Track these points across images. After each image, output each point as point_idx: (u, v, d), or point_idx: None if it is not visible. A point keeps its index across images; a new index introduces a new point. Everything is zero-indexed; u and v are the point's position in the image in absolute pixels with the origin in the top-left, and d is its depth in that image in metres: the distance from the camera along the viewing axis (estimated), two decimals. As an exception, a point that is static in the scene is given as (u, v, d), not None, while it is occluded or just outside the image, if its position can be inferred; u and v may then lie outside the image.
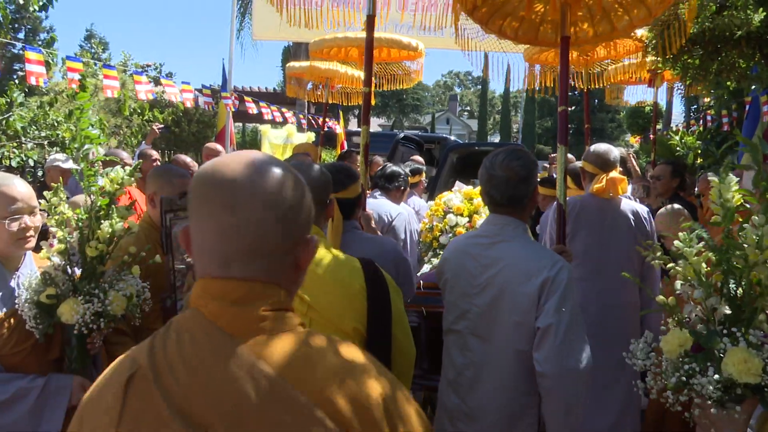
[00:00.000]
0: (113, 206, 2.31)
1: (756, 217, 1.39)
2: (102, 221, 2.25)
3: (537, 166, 2.34)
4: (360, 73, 6.21)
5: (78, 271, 2.23)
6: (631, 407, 3.31)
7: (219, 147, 5.68)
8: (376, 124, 44.82)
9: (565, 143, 3.02)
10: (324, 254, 1.83)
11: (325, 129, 8.15)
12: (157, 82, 7.98)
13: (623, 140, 37.81)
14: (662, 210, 3.73)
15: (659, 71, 5.67)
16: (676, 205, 3.75)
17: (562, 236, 2.88)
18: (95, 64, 7.19)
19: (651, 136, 7.50)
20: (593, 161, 3.56)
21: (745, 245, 1.41)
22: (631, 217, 3.47)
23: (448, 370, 2.28)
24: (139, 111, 7.40)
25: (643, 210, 3.58)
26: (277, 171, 0.95)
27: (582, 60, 5.20)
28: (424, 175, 5.76)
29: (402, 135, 7.59)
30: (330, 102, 6.92)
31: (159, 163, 5.91)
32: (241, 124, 17.80)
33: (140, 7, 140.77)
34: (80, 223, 2.24)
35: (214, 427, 0.84)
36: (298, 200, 0.96)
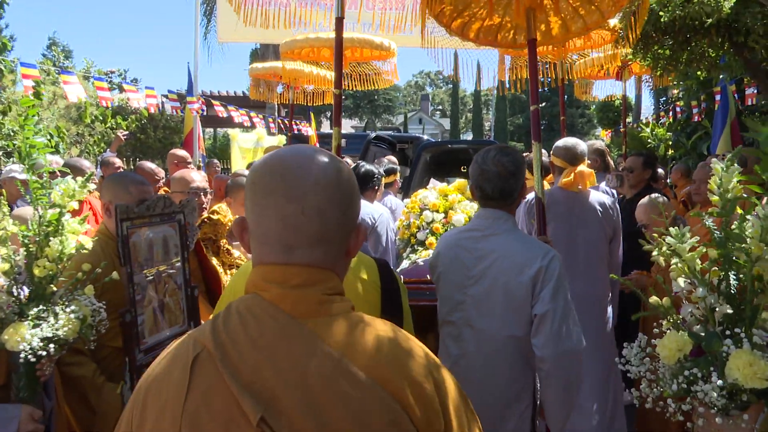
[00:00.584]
0: (64, 220, 2.13)
1: (761, 208, 1.28)
2: (51, 237, 2.08)
3: (525, 163, 2.43)
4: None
5: (25, 292, 2.05)
6: (609, 398, 3.32)
7: (184, 153, 5.48)
8: (348, 126, 44.65)
9: (538, 140, 3.14)
10: None
11: (293, 132, 7.98)
12: (120, 88, 7.74)
13: (593, 134, 38.26)
14: (643, 200, 3.68)
15: (629, 62, 5.63)
16: (657, 196, 3.70)
17: (543, 228, 2.99)
18: (56, 72, 6.92)
19: (622, 129, 7.49)
20: (562, 155, 3.64)
21: (748, 238, 1.30)
22: (598, 209, 3.57)
23: (444, 360, 2.30)
24: (101, 118, 7.13)
25: (609, 200, 3.69)
26: (334, 163, 1.01)
27: (556, 51, 5.13)
28: (398, 174, 5.70)
29: (374, 135, 7.47)
30: (298, 103, 6.77)
31: (122, 170, 5.71)
32: (212, 130, 17.53)
33: (104, 14, 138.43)
34: (26, 240, 2.06)
35: (282, 400, 0.88)
36: (352, 190, 1.03)
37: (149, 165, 4.94)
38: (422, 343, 1.02)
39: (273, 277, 0.98)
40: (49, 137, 5.68)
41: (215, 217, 3.04)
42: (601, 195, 3.74)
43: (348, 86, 6.03)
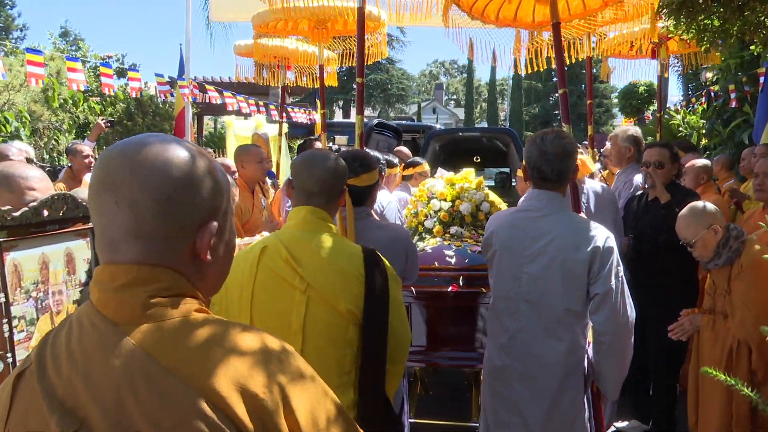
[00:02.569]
0: None
1: None
2: None
3: (577, 147, 2.52)
4: (315, 49, 5.40)
5: None
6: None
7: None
8: (381, 120, 43.80)
9: (568, 122, 3.23)
10: (326, 239, 1.90)
11: (285, 119, 7.34)
12: (119, 74, 7.14)
13: (611, 125, 37.23)
14: (684, 212, 3.06)
15: (669, 36, 4.86)
16: (708, 204, 3.02)
17: (577, 208, 3.08)
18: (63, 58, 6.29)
19: (657, 114, 6.70)
20: None
21: None
22: (593, 197, 3.74)
23: (499, 335, 2.44)
24: (72, 101, 6.48)
25: (605, 189, 3.93)
26: (167, 149, 0.89)
27: (581, 25, 4.40)
28: (423, 167, 5.09)
29: (376, 122, 6.82)
30: (295, 85, 6.11)
31: (92, 160, 5.08)
32: (213, 118, 16.88)
33: (110, 2, 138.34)
34: None
35: (94, 421, 0.79)
36: (188, 181, 0.89)
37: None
38: (293, 352, 0.92)
39: (99, 278, 0.89)
40: (4, 121, 5.12)
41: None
42: (594, 183, 3.88)
43: (337, 62, 5.37)
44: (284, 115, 6.91)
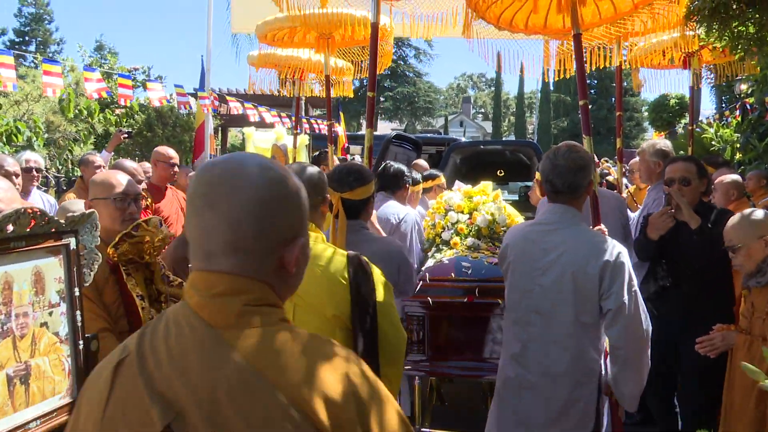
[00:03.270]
0: None
1: None
2: None
3: (593, 160, 2.52)
4: (332, 59, 5.27)
5: None
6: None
7: (169, 151, 4.75)
8: (388, 128, 43.86)
9: (588, 134, 3.25)
10: (314, 247, 1.93)
11: (303, 132, 7.22)
12: (144, 86, 7.14)
13: (642, 138, 36.52)
14: (738, 216, 2.81)
15: (702, 44, 4.61)
16: (760, 212, 2.79)
17: (596, 220, 3.14)
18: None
19: (689, 127, 6.39)
20: None
21: None
22: (614, 203, 3.82)
23: (512, 345, 2.47)
24: (87, 112, 6.46)
25: (613, 194, 4.03)
26: (260, 170, 0.97)
27: (614, 34, 4.17)
28: (439, 180, 5.11)
29: (394, 134, 6.66)
30: (312, 96, 6.00)
31: (104, 170, 5.02)
32: (240, 130, 16.96)
33: (143, 16, 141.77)
34: None
35: (190, 412, 0.86)
36: (282, 201, 0.98)
37: (129, 163, 4.20)
38: (362, 362, 0.98)
39: (196, 284, 0.97)
40: (15, 131, 5.11)
41: (138, 233, 2.25)
42: (602, 189, 3.86)
43: (353, 73, 5.23)
44: (299, 126, 6.78)
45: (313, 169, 2.12)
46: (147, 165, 5.15)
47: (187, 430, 0.86)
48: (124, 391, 0.91)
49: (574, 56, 3.32)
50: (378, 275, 1.97)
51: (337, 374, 0.91)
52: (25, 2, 45.63)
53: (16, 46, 43.79)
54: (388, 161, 4.36)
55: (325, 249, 1.98)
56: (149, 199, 4.52)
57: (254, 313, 0.95)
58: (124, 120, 8.26)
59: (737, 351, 2.77)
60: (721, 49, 4.47)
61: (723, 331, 2.79)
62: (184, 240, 2.99)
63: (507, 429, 2.47)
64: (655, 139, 4.36)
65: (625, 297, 2.27)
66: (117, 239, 2.23)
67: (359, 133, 18.40)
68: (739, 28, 4.04)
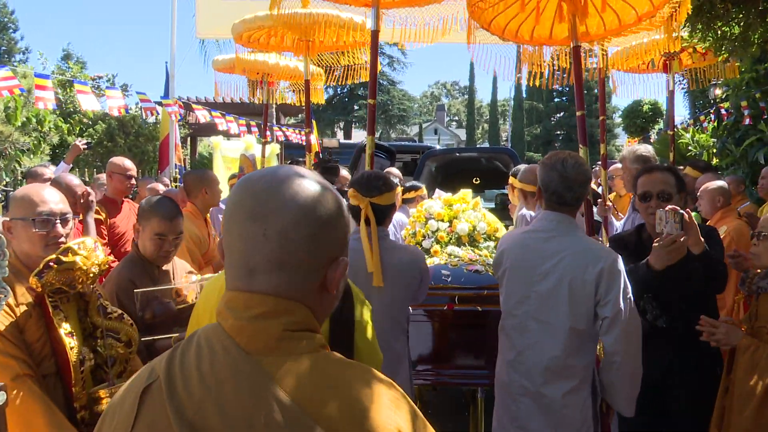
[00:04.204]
0: None
1: None
2: None
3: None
4: (301, 65, 5.01)
5: None
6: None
7: (124, 162, 4.41)
8: (362, 136, 43.67)
9: (585, 144, 3.24)
10: None
11: (269, 140, 6.94)
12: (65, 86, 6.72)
13: (614, 145, 36.93)
14: None
15: (685, 45, 4.44)
16: None
17: (590, 230, 3.17)
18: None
19: (653, 136, 6.26)
20: (532, 180, 3.60)
21: None
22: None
23: (508, 352, 2.49)
24: (37, 119, 6.05)
25: None
26: (312, 185, 0.95)
27: (595, 35, 3.98)
28: (422, 191, 5.13)
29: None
30: (267, 103, 5.72)
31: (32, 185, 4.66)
32: (210, 138, 16.50)
33: (110, 25, 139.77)
34: None
35: None
36: (331, 218, 0.95)
37: (69, 178, 3.84)
38: (398, 387, 0.94)
39: (233, 305, 0.91)
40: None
41: (67, 258, 1.92)
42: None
43: (325, 79, 4.97)
44: (269, 134, 6.48)
45: (333, 198, 2.07)
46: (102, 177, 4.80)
47: None
48: (150, 417, 0.86)
49: (572, 68, 3.33)
50: (356, 291, 1.93)
51: (383, 411, 0.86)
52: (-11, 11, 44.43)
53: (-21, 55, 42.60)
54: (366, 171, 4.17)
55: None
56: (103, 214, 4.19)
57: (295, 338, 0.90)
58: (78, 129, 7.83)
59: (739, 354, 2.54)
60: (703, 50, 4.33)
61: (730, 325, 2.52)
62: (133, 260, 2.68)
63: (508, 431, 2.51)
64: (635, 145, 4.13)
65: (622, 304, 2.28)
66: (41, 266, 1.90)
67: (342, 141, 18.18)
68: (724, 28, 3.89)
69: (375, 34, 3.34)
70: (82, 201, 3.55)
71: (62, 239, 2.04)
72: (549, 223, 2.47)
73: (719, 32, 3.86)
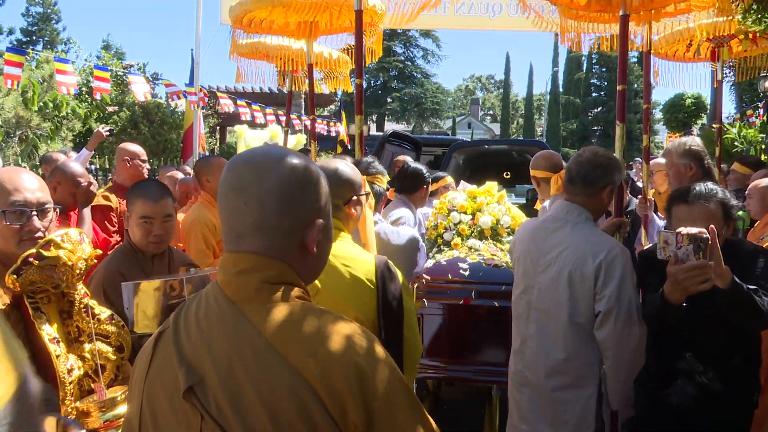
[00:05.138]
0: None
1: None
2: None
3: (618, 167, 2.44)
4: (323, 50, 4.79)
5: None
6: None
7: (136, 148, 4.26)
8: (395, 128, 43.26)
9: (623, 120, 3.16)
10: (343, 247, 1.92)
11: (296, 129, 6.75)
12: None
13: (653, 141, 35.87)
14: None
15: (738, 27, 4.06)
16: None
17: (619, 211, 3.12)
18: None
19: (695, 131, 5.85)
20: (543, 166, 3.54)
21: None
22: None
23: (515, 339, 2.52)
24: (54, 104, 5.96)
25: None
26: (285, 159, 1.07)
27: (643, 15, 3.64)
28: (447, 180, 4.80)
29: (391, 131, 6.19)
30: (290, 91, 5.52)
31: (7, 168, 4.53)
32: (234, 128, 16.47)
33: (149, 16, 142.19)
34: None
35: (210, 377, 0.96)
36: (304, 185, 1.07)
37: (73, 167, 3.68)
38: (372, 338, 1.03)
39: (224, 264, 1.06)
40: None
41: (50, 253, 1.71)
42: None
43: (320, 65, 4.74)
44: (292, 124, 6.29)
45: (335, 167, 1.99)
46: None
47: (206, 393, 0.95)
48: (161, 358, 1.03)
49: (619, 39, 3.20)
50: (404, 281, 1.97)
51: (338, 347, 0.97)
52: (33, 2, 45.51)
53: (23, 46, 43.75)
54: (406, 161, 4.20)
55: (352, 250, 1.96)
56: (113, 201, 4.04)
57: (273, 290, 1.03)
58: (95, 114, 7.76)
59: None
60: (759, 34, 3.96)
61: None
62: (123, 250, 2.50)
63: (513, 423, 2.51)
64: (684, 138, 3.74)
65: (615, 300, 2.21)
66: (19, 262, 1.67)
67: (372, 134, 17.93)
68: (782, 9, 3.52)
69: (359, 13, 3.29)
70: (82, 192, 3.36)
71: (39, 234, 1.81)
72: (558, 213, 2.45)
73: (776, 14, 3.49)
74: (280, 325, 0.98)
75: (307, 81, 6.16)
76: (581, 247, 2.31)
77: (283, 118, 9.94)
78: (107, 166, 7.27)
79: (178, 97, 7.77)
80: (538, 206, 5.32)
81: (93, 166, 7.24)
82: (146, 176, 4.39)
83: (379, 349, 1.01)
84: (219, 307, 1.02)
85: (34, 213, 1.82)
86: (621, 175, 2.47)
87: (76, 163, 3.98)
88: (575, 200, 2.41)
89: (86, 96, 7.12)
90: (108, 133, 5.38)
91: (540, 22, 4.02)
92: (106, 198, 4.04)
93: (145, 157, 4.32)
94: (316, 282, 1.75)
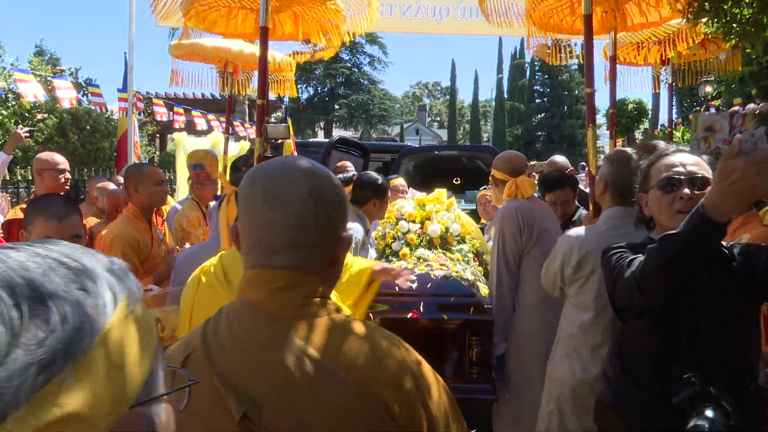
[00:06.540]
0: None
1: None
2: None
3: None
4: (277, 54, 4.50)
5: None
6: None
7: (52, 158, 3.86)
8: (344, 136, 42.94)
9: (593, 123, 3.25)
10: None
11: (231, 134, 6.41)
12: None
13: (599, 148, 36.76)
14: None
15: (690, 27, 4.00)
16: None
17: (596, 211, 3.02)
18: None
19: (638, 136, 5.84)
20: (503, 168, 3.49)
21: None
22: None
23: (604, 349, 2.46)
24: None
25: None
26: (315, 172, 1.07)
27: (609, 23, 3.56)
28: (396, 181, 4.70)
29: (337, 138, 5.95)
30: (229, 94, 5.20)
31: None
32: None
33: (86, 18, 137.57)
34: None
35: (264, 399, 0.92)
36: (334, 199, 1.07)
37: (46, 156, 3.26)
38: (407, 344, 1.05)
39: (257, 281, 1.03)
40: None
41: None
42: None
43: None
44: (240, 132, 5.94)
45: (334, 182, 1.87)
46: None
47: (264, 418, 0.91)
48: (195, 387, 0.85)
49: (583, 41, 3.15)
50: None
51: (395, 356, 0.99)
52: (-43, 5, 43.24)
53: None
54: (362, 173, 4.02)
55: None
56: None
57: (314, 304, 1.02)
58: (13, 120, 7.20)
59: None
60: (710, 36, 3.90)
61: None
62: None
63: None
64: (619, 149, 3.66)
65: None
66: None
67: (311, 140, 17.58)
68: (734, 10, 3.46)
69: (264, 31, 3.10)
70: None
71: None
72: (621, 220, 2.44)
73: (728, 15, 3.42)
74: (332, 341, 0.97)
75: (250, 85, 5.83)
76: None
77: (232, 124, 9.57)
78: (30, 178, 6.72)
79: (101, 109, 7.29)
80: (488, 213, 5.12)
81: (15, 178, 6.67)
82: (66, 188, 3.99)
83: (420, 357, 1.05)
84: (258, 326, 0.98)
85: None
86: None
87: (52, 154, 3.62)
88: (625, 204, 2.42)
89: (11, 102, 6.58)
90: (27, 134, 4.92)
91: (502, 24, 3.83)
92: (24, 211, 3.64)
93: (66, 166, 3.91)
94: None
